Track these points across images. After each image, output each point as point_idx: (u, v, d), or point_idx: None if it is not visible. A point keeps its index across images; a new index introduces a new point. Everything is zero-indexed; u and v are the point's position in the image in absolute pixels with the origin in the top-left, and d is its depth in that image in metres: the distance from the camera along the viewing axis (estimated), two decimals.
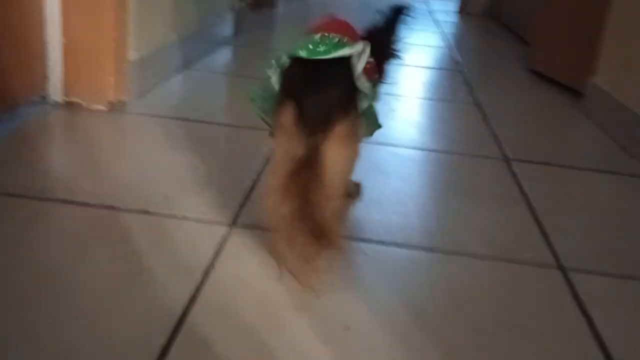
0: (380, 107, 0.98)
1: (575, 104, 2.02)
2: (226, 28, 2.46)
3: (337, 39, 0.91)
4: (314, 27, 0.99)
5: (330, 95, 0.85)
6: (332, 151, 0.84)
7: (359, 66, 0.89)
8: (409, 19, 1.07)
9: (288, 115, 0.85)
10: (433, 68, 2.51)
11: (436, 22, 3.65)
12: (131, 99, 1.60)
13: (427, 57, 2.69)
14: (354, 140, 0.91)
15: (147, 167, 1.26)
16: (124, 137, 1.46)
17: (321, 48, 0.89)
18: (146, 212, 1.07)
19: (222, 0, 2.40)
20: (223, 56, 2.30)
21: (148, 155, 1.33)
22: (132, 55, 1.59)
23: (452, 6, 4.35)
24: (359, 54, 0.90)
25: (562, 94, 2.14)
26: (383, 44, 1.04)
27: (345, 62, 0.88)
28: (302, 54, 0.88)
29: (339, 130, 0.84)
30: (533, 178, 1.39)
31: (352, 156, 0.92)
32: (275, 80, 0.92)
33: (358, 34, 1.01)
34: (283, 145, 0.85)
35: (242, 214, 1.09)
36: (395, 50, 1.07)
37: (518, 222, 1.18)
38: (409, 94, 2.05)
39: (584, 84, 2.01)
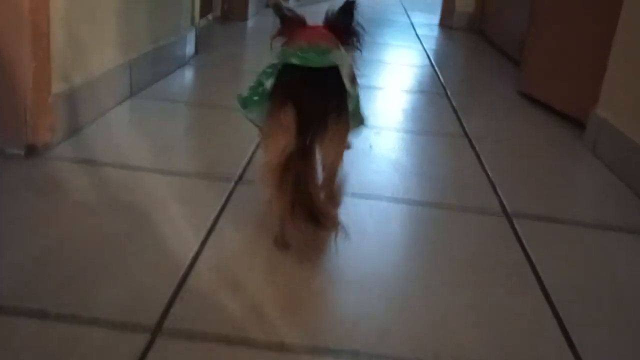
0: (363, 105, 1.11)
1: (577, 137, 1.79)
2: (186, 46, 2.19)
3: (324, 46, 1.00)
4: (296, 36, 1.07)
5: (324, 99, 0.96)
6: (327, 148, 0.97)
7: (345, 71, 0.99)
8: (356, 11, 1.13)
9: (288, 115, 0.93)
10: (416, 92, 2.27)
11: (417, 37, 3.43)
12: (56, 139, 1.33)
13: (408, 79, 2.45)
14: (344, 137, 1.02)
15: (54, 244, 0.99)
16: (35, 192, 1.15)
17: (312, 56, 0.98)
18: None
19: (181, 14, 2.13)
20: (180, 80, 2.03)
21: (64, 221, 1.06)
22: (58, 87, 1.32)
23: (433, 19, 4.14)
24: (344, 62, 1.01)
25: (562, 125, 1.91)
26: (343, 28, 1.11)
27: (334, 68, 0.98)
28: (295, 61, 0.97)
29: (332, 129, 0.95)
30: (542, 242, 1.16)
31: (342, 151, 1.04)
32: (269, 84, 1.00)
33: (335, 40, 1.07)
34: (280, 141, 0.93)
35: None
36: (355, 32, 1.12)
37: (534, 312, 0.94)
38: (389, 124, 1.81)
39: (586, 114, 1.79)
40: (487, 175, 1.45)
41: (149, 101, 1.73)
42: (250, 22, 3.28)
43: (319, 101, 0.95)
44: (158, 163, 1.31)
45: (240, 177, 1.29)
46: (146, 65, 1.79)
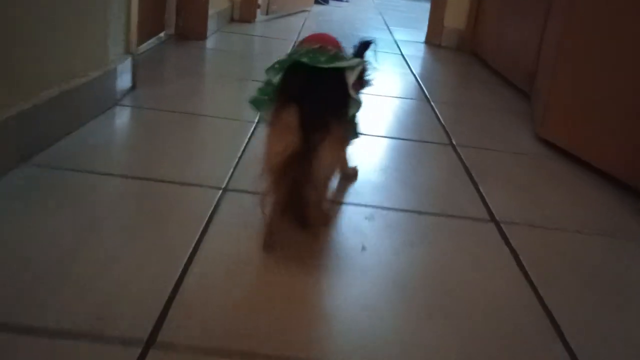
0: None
1: (634, 213, 1.35)
2: (116, 81, 1.69)
3: (333, 52, 1.03)
4: (308, 40, 1.13)
5: (328, 102, 0.98)
6: (326, 150, 0.95)
7: (352, 78, 1.02)
8: (375, 52, 1.16)
9: (291, 115, 0.93)
10: (414, 141, 1.80)
11: (404, 58, 2.98)
12: None
13: (401, 120, 1.99)
14: (343, 141, 1.08)
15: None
16: None
17: (322, 58, 0.99)
18: None
19: (108, 40, 1.64)
20: (100, 133, 1.49)
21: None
22: None
23: (418, 36, 3.71)
24: (354, 67, 1.02)
25: (607, 190, 1.48)
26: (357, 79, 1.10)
27: (341, 73, 1.00)
28: (305, 60, 0.98)
29: (333, 132, 0.96)
30: None
31: (341, 154, 1.17)
32: (277, 81, 1.01)
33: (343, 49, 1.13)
34: (281, 141, 0.94)
35: None
36: (366, 78, 1.15)
37: None
38: (387, 203, 1.34)
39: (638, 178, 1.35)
40: (534, 289, 0.99)
41: (44, 173, 1.22)
42: (209, 42, 2.79)
43: (322, 104, 0.96)
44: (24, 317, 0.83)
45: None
46: (47, 116, 1.29)
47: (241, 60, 2.52)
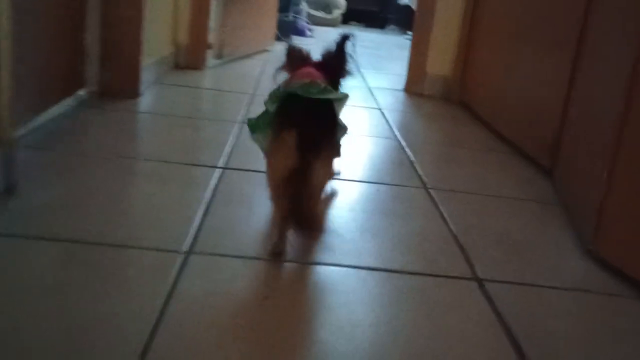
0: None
1: None
2: None
3: (323, 86, 1.20)
4: (298, 75, 1.28)
5: (321, 128, 1.15)
6: (319, 168, 1.12)
7: (340, 108, 1.25)
8: (353, 45, 1.37)
9: (290, 138, 1.09)
10: (420, 275, 1.28)
11: (382, 114, 2.47)
12: None
13: (397, 235, 1.46)
14: (332, 160, 1.28)
15: None
16: None
17: (314, 90, 1.17)
18: None
19: None
20: None
21: None
22: None
23: (395, 81, 3.22)
24: (341, 99, 1.24)
25: None
26: (337, 65, 1.37)
27: (330, 103, 1.18)
28: (299, 92, 1.15)
29: (325, 153, 1.15)
30: None
31: (331, 172, 1.34)
32: (273, 109, 1.17)
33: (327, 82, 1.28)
34: (281, 160, 1.12)
35: None
36: (347, 70, 1.38)
37: None
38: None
39: None
40: None
41: None
42: (144, 100, 2.24)
43: (316, 128, 1.13)
44: None
45: None
46: None
47: (182, 129, 1.96)
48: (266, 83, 2.86)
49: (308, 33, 5.03)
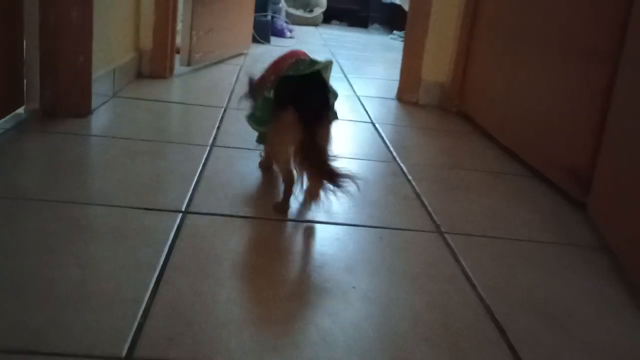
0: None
1: None
2: None
3: (308, 60, 1.33)
4: (284, 58, 1.40)
5: (316, 99, 1.29)
6: (322, 135, 1.26)
7: (328, 74, 1.36)
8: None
9: (290, 114, 1.23)
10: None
11: (375, 128, 2.16)
12: None
13: (408, 281, 1.13)
14: (331, 126, 1.35)
15: None
16: None
17: (302, 67, 1.31)
18: None
19: None
20: None
21: None
22: None
23: (385, 88, 2.91)
24: (327, 67, 1.35)
25: None
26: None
27: (319, 74, 1.32)
28: (291, 72, 1.31)
29: (325, 121, 1.30)
30: None
31: (330, 137, 1.35)
32: (271, 94, 1.34)
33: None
34: (286, 134, 1.25)
35: None
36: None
37: None
38: None
39: None
40: None
41: None
42: (96, 119, 1.89)
43: (313, 101, 1.28)
44: None
45: None
46: None
47: (140, 158, 1.62)
48: (241, 92, 2.53)
49: (288, 34, 4.69)
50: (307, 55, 1.38)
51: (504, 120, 2.07)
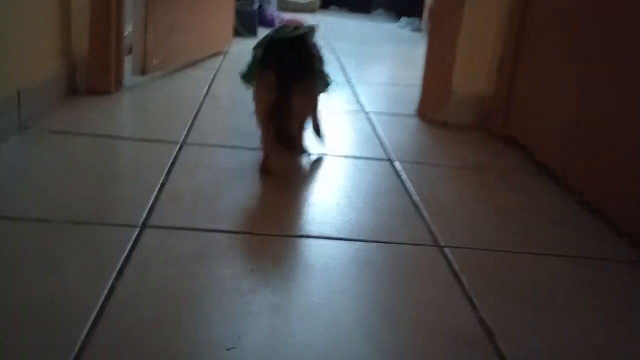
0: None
1: None
2: None
3: (291, 28, 1.44)
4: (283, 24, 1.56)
5: (295, 64, 1.38)
6: (298, 98, 1.40)
7: (310, 39, 1.44)
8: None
9: (270, 76, 1.35)
10: None
11: (397, 174, 1.50)
12: None
13: None
14: (313, 91, 1.49)
15: None
16: None
17: (287, 30, 1.43)
18: None
19: None
20: None
21: None
22: None
23: (401, 101, 2.24)
24: (311, 32, 1.44)
25: None
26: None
27: (302, 38, 1.42)
28: (274, 36, 1.43)
29: (302, 84, 1.40)
30: None
31: (313, 103, 1.52)
32: (260, 54, 1.42)
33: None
34: (265, 94, 1.38)
35: None
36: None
37: None
38: None
39: None
40: None
41: None
42: (8, 148, 1.24)
43: (292, 65, 1.37)
44: None
45: None
46: None
47: (47, 267, 0.96)
48: (213, 113, 1.86)
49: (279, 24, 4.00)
50: (298, 24, 1.50)
51: (576, 153, 1.41)
